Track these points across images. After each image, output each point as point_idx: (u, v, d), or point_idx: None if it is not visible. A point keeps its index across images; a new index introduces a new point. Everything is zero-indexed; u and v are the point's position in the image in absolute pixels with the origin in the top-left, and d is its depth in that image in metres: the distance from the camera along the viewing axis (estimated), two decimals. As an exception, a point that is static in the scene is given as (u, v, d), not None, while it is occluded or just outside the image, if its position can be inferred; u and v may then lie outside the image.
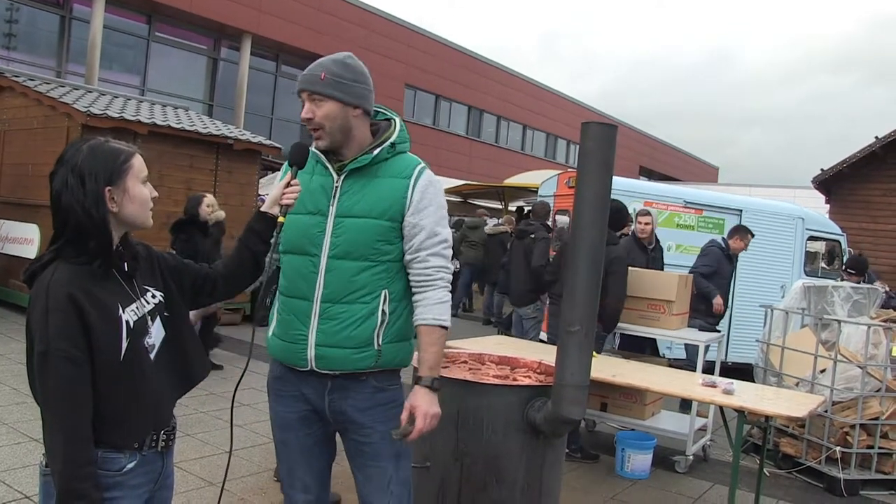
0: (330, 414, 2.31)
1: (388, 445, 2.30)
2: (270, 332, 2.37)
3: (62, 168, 1.77)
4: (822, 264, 10.09)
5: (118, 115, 8.69)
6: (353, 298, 2.23)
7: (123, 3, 16.36)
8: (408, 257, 2.28)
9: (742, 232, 6.88)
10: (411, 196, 2.26)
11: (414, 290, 2.31)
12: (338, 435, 2.43)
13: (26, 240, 8.88)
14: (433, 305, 2.27)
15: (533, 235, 7.26)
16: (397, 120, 2.40)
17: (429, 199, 2.28)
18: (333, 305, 2.22)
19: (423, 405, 2.20)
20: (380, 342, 2.25)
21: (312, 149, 2.31)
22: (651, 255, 6.57)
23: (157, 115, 9.65)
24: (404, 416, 2.22)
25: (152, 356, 1.86)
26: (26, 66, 13.61)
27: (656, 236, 6.72)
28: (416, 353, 2.39)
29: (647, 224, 6.50)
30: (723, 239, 6.95)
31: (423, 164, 2.34)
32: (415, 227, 2.26)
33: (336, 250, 2.23)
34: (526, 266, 7.20)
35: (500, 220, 13.58)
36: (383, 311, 2.25)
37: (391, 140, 2.31)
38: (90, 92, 10.59)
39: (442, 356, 2.34)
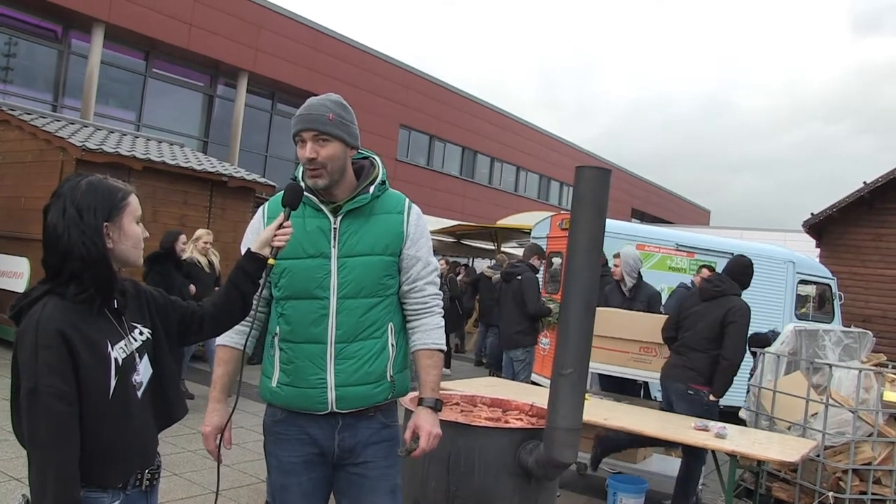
0: (338, 452, 2.32)
1: (386, 480, 2.35)
2: (274, 383, 2.32)
3: (59, 201, 1.77)
4: (813, 308, 10.12)
5: (113, 151, 8.72)
6: (367, 335, 2.29)
7: (121, 38, 16.52)
8: (405, 287, 2.39)
9: (704, 270, 7.12)
10: (407, 229, 2.37)
11: (411, 317, 2.40)
12: None
13: (16, 273, 8.84)
14: (432, 331, 2.39)
15: (520, 277, 7.25)
16: (377, 158, 2.48)
17: (420, 230, 2.41)
18: (349, 345, 2.27)
19: (426, 425, 2.29)
20: (392, 373, 2.32)
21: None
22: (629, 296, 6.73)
23: (152, 151, 9.69)
24: (408, 434, 2.31)
25: (139, 394, 1.84)
26: (23, 100, 13.67)
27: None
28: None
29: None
30: (691, 282, 7.12)
31: (408, 199, 2.45)
32: (412, 258, 2.37)
33: (346, 290, 2.27)
34: (516, 308, 7.19)
35: (493, 261, 13.59)
36: (392, 343, 2.33)
37: (380, 178, 2.39)
38: (86, 126, 10.65)
39: (440, 378, 2.42)
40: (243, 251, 2.34)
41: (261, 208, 2.48)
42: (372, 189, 2.34)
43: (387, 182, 2.42)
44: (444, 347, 2.42)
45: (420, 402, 2.34)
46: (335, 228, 2.30)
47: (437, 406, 2.34)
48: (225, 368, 2.39)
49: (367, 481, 2.33)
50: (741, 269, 5.34)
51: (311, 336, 2.26)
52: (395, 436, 2.40)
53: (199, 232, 7.70)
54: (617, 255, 6.72)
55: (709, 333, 5.07)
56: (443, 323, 2.43)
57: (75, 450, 1.66)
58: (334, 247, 2.29)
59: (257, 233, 2.33)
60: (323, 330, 2.26)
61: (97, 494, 1.74)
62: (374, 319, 2.29)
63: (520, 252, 14.31)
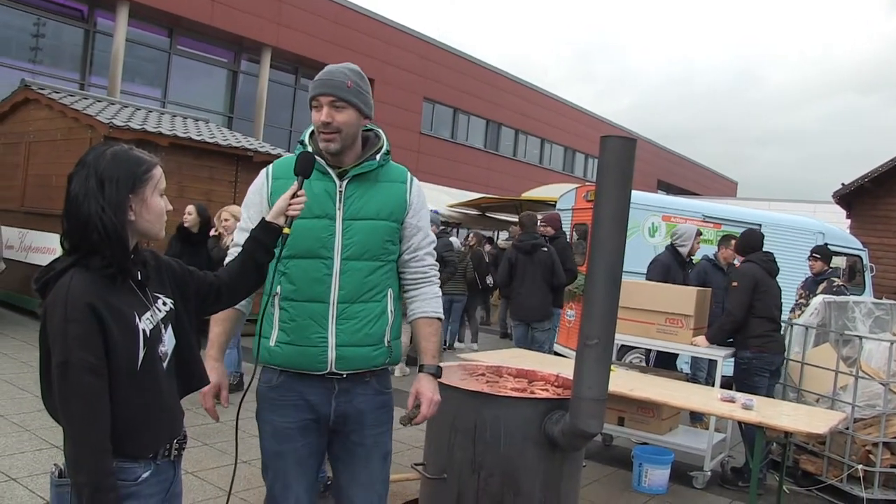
0: (334, 417, 2.36)
1: (379, 447, 2.42)
2: (273, 342, 2.33)
3: (83, 170, 1.74)
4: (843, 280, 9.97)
5: (140, 127, 8.80)
6: (368, 297, 2.33)
7: (146, 16, 16.58)
8: (406, 256, 2.45)
9: (726, 241, 7.02)
10: (410, 199, 2.43)
11: (410, 286, 2.47)
12: None
13: (48, 249, 8.99)
14: (431, 299, 2.47)
15: (545, 248, 7.17)
16: (380, 130, 2.53)
17: (421, 202, 2.48)
18: (351, 305, 2.30)
19: (428, 392, 2.37)
20: (389, 339, 2.38)
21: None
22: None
23: (178, 128, 9.76)
24: (411, 401, 2.38)
25: (164, 365, 1.85)
26: (51, 79, 13.80)
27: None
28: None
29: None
30: (714, 254, 7.09)
31: (409, 171, 2.52)
32: (414, 227, 2.44)
33: (349, 252, 2.31)
34: (543, 280, 7.12)
35: (508, 234, 13.51)
36: (391, 309, 2.38)
37: (385, 148, 2.45)
38: (113, 104, 10.74)
39: (440, 346, 2.49)
40: (244, 212, 2.43)
41: (264, 170, 2.49)
42: (378, 157, 2.40)
43: (390, 154, 2.48)
44: (443, 316, 2.49)
45: (421, 368, 2.41)
46: (341, 191, 2.34)
47: (438, 373, 2.41)
48: (223, 327, 2.41)
49: (362, 449, 2.39)
50: (759, 241, 5.69)
51: (313, 295, 2.29)
52: (388, 402, 2.45)
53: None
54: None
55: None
56: (440, 293, 2.51)
57: (107, 422, 1.66)
58: (339, 209, 2.32)
59: (259, 193, 2.40)
60: (326, 289, 2.28)
61: (129, 465, 1.76)
62: (375, 283, 2.33)
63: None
